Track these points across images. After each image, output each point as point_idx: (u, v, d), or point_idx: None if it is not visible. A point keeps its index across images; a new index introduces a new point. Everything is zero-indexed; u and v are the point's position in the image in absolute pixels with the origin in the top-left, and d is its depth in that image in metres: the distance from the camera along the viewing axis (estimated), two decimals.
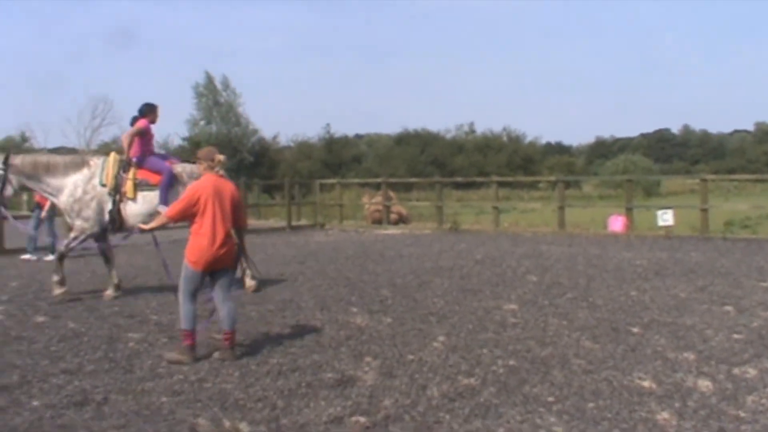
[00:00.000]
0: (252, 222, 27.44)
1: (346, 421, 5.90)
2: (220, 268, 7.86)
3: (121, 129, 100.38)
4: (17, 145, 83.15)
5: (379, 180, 32.04)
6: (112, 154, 12.04)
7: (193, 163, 10.04)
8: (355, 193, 37.94)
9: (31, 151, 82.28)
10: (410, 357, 7.88)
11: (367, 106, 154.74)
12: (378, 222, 28.42)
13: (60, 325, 9.66)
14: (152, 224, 8.49)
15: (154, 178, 11.79)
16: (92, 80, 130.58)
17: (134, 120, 12.21)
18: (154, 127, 12.34)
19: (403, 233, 25.50)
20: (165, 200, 11.50)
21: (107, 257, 11.93)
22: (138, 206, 11.70)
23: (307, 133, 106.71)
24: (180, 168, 12.16)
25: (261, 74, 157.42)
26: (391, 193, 30.09)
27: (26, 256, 17.08)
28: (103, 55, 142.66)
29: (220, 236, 7.72)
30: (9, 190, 11.57)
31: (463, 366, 7.50)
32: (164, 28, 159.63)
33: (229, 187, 7.99)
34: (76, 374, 7.28)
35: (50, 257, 16.00)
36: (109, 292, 11.63)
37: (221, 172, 8.00)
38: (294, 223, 28.17)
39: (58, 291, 11.38)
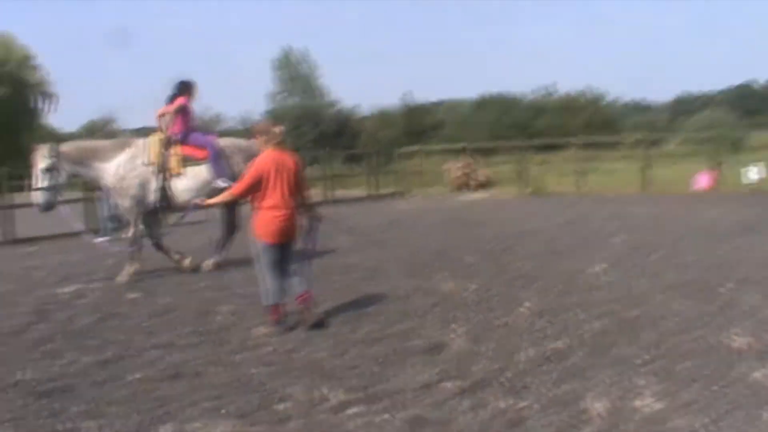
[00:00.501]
0: (335, 192, 27.60)
1: (436, 387, 5.90)
2: (286, 241, 7.92)
3: (202, 106, 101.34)
4: (101, 127, 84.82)
5: (460, 146, 31.82)
6: (154, 134, 11.98)
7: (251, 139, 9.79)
8: (436, 159, 37.73)
9: (116, 132, 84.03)
10: (497, 322, 7.84)
11: (445, 71, 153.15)
12: (460, 188, 28.26)
13: (152, 301, 9.81)
14: (215, 200, 8.46)
15: (200, 153, 11.78)
16: (171, 58, 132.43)
17: (172, 98, 12.09)
18: (193, 104, 12.26)
19: (486, 198, 25.36)
20: (220, 173, 11.58)
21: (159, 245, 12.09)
22: (186, 181, 11.71)
23: (386, 101, 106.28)
24: (226, 141, 12.26)
25: (339, 44, 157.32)
26: (473, 159, 29.86)
27: (99, 239, 15.96)
28: (182, 32, 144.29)
29: (286, 209, 7.77)
30: (62, 177, 11.53)
31: (550, 330, 7.42)
32: (240, 3, 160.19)
33: (290, 158, 7.97)
34: (170, 348, 7.39)
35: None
36: (210, 262, 11.91)
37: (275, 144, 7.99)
38: (377, 192, 28.16)
39: (123, 278, 11.31)
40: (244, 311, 8.81)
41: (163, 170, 11.65)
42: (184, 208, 11.97)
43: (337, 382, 6.12)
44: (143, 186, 11.60)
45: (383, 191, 29.08)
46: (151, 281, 11.24)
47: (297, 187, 7.92)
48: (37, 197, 11.40)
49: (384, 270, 11.17)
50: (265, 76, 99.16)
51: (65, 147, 11.68)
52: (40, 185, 11.34)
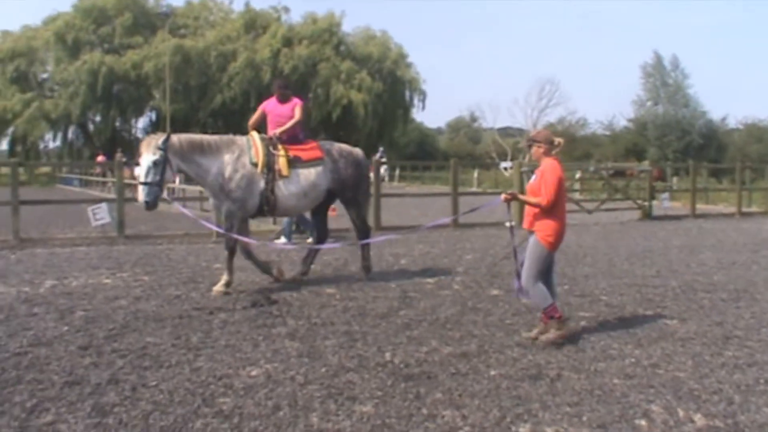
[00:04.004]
0: (700, 206, 26.09)
1: None
2: None
3: (567, 110, 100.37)
4: (466, 124, 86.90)
5: None
6: (254, 133, 10.65)
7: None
8: None
9: (480, 130, 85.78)
10: None
11: None
12: None
13: (514, 299, 9.51)
14: (525, 198, 7.85)
15: (308, 155, 10.62)
16: (540, 61, 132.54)
17: (286, 97, 11.01)
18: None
19: None
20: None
21: (248, 252, 10.62)
22: (293, 185, 10.43)
23: (757, 114, 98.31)
24: (334, 145, 11.15)
25: (710, 52, 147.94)
26: None
27: (280, 241, 15.23)
28: (551, 35, 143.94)
29: (566, 217, 7.56)
30: (169, 173, 9.86)
31: None
32: (612, 6, 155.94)
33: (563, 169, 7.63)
34: (530, 348, 7.24)
35: (309, 240, 14.33)
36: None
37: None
38: (744, 209, 26.10)
39: (219, 288, 10.05)
40: (607, 319, 8.47)
41: (271, 171, 10.36)
42: (287, 213, 11.33)
43: (698, 405, 5.65)
44: (249, 188, 10.21)
45: (752, 209, 26.93)
46: (510, 280, 11.06)
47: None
48: (142, 193, 9.77)
49: (752, 292, 10.21)
50: (633, 82, 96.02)
51: (175, 138, 10.01)
52: (146, 179, 9.68)
